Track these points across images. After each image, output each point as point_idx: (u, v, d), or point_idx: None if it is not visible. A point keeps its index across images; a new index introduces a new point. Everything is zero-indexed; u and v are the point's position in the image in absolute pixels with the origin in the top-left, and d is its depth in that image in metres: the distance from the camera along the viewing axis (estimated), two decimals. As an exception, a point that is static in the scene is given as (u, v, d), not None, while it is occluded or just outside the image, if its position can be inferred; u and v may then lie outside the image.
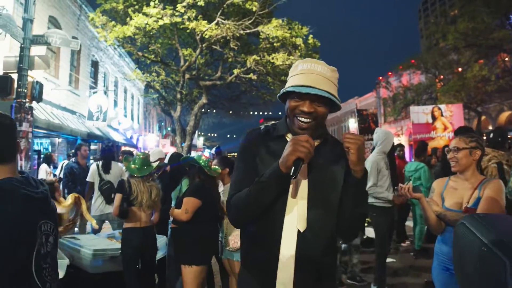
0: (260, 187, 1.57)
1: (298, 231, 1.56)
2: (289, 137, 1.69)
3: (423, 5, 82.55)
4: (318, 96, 1.58)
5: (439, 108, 12.83)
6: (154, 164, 4.44)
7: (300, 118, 1.63)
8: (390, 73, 30.72)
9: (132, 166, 4.16)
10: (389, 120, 32.13)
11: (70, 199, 4.43)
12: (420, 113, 12.86)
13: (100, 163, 6.22)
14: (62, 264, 3.59)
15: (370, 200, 4.75)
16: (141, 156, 4.22)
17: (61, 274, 3.52)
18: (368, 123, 13.60)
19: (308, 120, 1.61)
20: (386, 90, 27.75)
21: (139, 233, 4.06)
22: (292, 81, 1.66)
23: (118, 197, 4.08)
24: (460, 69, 19.67)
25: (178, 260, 3.74)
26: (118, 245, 4.22)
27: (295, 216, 1.57)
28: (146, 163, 4.22)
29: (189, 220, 3.69)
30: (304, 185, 1.62)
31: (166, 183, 4.83)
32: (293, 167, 1.48)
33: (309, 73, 1.61)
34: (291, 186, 1.61)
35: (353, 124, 35.57)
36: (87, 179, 6.28)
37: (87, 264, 3.93)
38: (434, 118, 12.68)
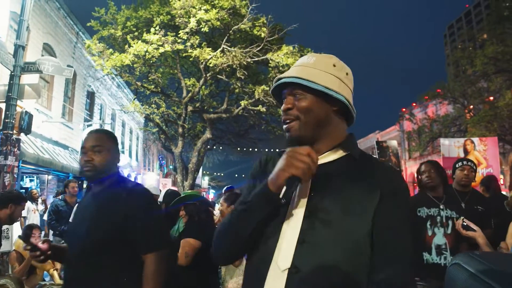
0: (243, 209, 1.32)
1: (289, 270, 1.22)
2: None
3: (449, 30, 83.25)
4: (295, 88, 1.34)
5: (472, 142, 12.71)
6: None
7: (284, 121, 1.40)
8: (414, 104, 30.77)
9: None
10: (414, 155, 31.91)
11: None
12: (451, 145, 12.77)
13: None
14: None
15: None
16: None
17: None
18: (388, 156, 13.54)
19: (287, 119, 1.37)
20: (410, 122, 27.73)
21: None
22: None
23: None
24: (491, 98, 19.62)
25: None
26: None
27: (285, 251, 1.26)
28: None
29: (189, 266, 3.51)
30: (299, 212, 1.29)
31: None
32: (284, 187, 1.23)
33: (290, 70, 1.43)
34: (288, 213, 1.32)
35: (374, 160, 35.35)
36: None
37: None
38: (466, 152, 12.54)
